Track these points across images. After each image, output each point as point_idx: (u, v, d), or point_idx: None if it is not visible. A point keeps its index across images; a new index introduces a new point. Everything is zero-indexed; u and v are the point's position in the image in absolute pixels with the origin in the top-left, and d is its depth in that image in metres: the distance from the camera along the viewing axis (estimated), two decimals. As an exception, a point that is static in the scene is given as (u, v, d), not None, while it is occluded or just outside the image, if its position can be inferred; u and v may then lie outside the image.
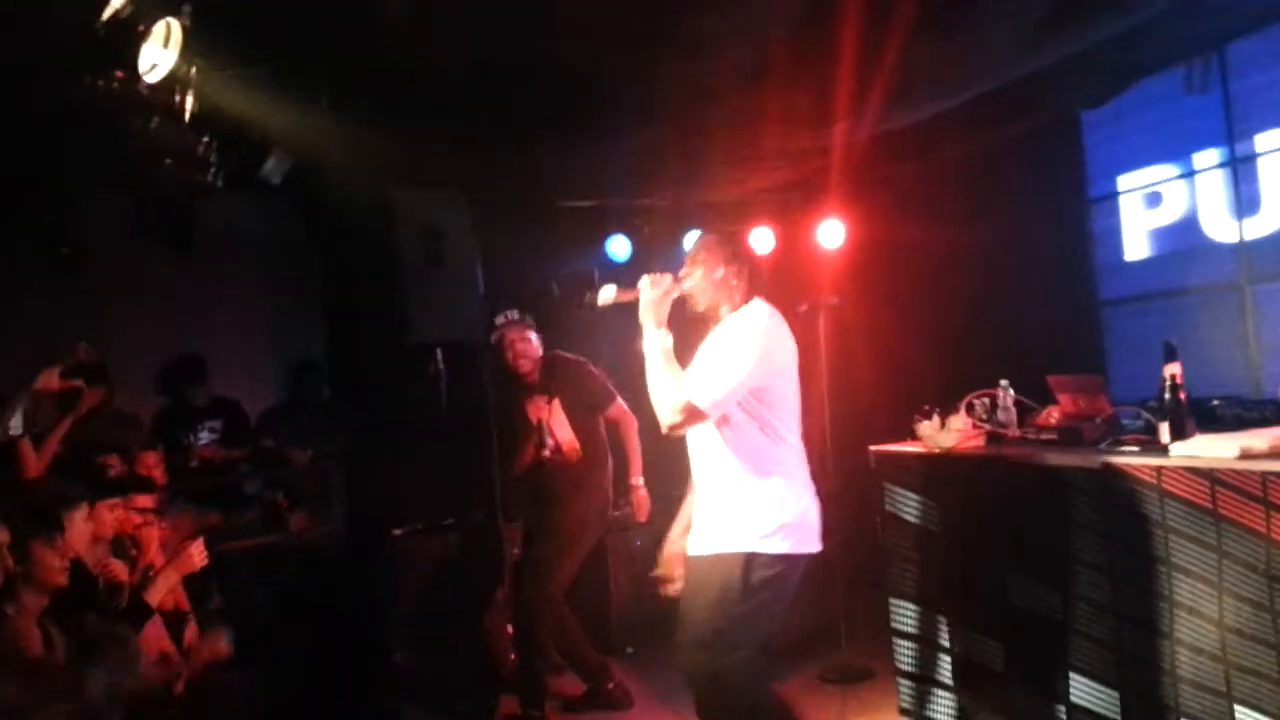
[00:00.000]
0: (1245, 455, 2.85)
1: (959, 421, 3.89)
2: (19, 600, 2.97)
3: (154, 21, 3.25)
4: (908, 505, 4.01)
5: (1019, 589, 3.55)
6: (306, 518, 5.50)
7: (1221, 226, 4.95)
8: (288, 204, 5.94)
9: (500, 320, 4.71)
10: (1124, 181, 5.41)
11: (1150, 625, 3.10)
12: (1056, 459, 3.42)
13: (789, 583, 3.04)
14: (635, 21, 3.78)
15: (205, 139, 3.78)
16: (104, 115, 3.55)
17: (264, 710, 4.11)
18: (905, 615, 4.07)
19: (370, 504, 5.25)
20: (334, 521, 5.74)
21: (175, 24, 3.26)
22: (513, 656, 4.81)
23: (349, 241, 6.15)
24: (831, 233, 5.79)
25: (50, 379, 3.90)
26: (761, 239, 6.30)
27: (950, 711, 3.91)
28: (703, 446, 3.11)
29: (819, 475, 5.27)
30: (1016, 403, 3.89)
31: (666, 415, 2.98)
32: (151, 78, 3.34)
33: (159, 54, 3.28)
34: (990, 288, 5.67)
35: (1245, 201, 4.81)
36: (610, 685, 4.69)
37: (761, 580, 2.96)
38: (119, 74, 3.38)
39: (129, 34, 3.26)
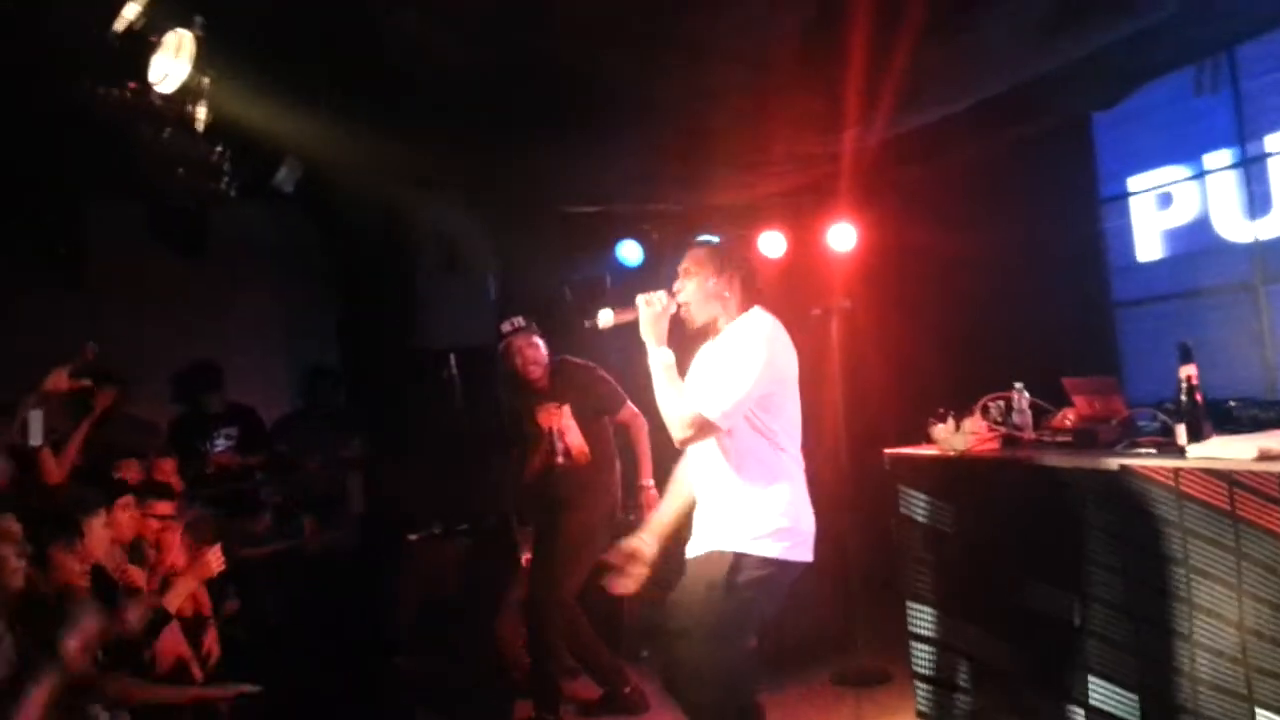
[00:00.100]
0: (1264, 457, 2.85)
1: (974, 424, 3.89)
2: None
3: (166, 32, 3.27)
4: (923, 508, 4.01)
5: (1035, 592, 3.54)
6: (315, 523, 5.52)
7: (1234, 227, 4.94)
8: (300, 212, 5.99)
9: (507, 328, 4.72)
10: (1135, 183, 5.40)
11: (1169, 628, 3.09)
12: (1072, 461, 3.41)
13: (777, 588, 3.03)
14: (644, 26, 3.79)
15: (218, 148, 3.80)
16: (116, 123, 3.57)
17: (277, 714, 4.13)
18: (921, 618, 4.06)
19: (385, 509, 5.26)
20: (348, 527, 5.77)
21: (187, 35, 3.29)
22: (526, 660, 4.82)
23: (361, 248, 6.19)
24: (843, 236, 5.77)
25: (59, 379, 3.92)
26: (773, 243, 6.30)
27: (967, 714, 3.89)
28: (703, 453, 3.10)
29: (833, 478, 5.33)
30: (1031, 405, 3.88)
31: (677, 430, 2.99)
32: (164, 88, 3.36)
33: (171, 64, 3.31)
34: (1002, 290, 5.65)
35: (1257, 201, 4.80)
36: (627, 690, 4.69)
37: (748, 581, 2.95)
38: (131, 84, 3.40)
39: (141, 45, 3.28)
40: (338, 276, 6.48)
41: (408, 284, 5.89)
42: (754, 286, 3.18)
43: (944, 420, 3.93)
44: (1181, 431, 3.15)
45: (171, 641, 3.57)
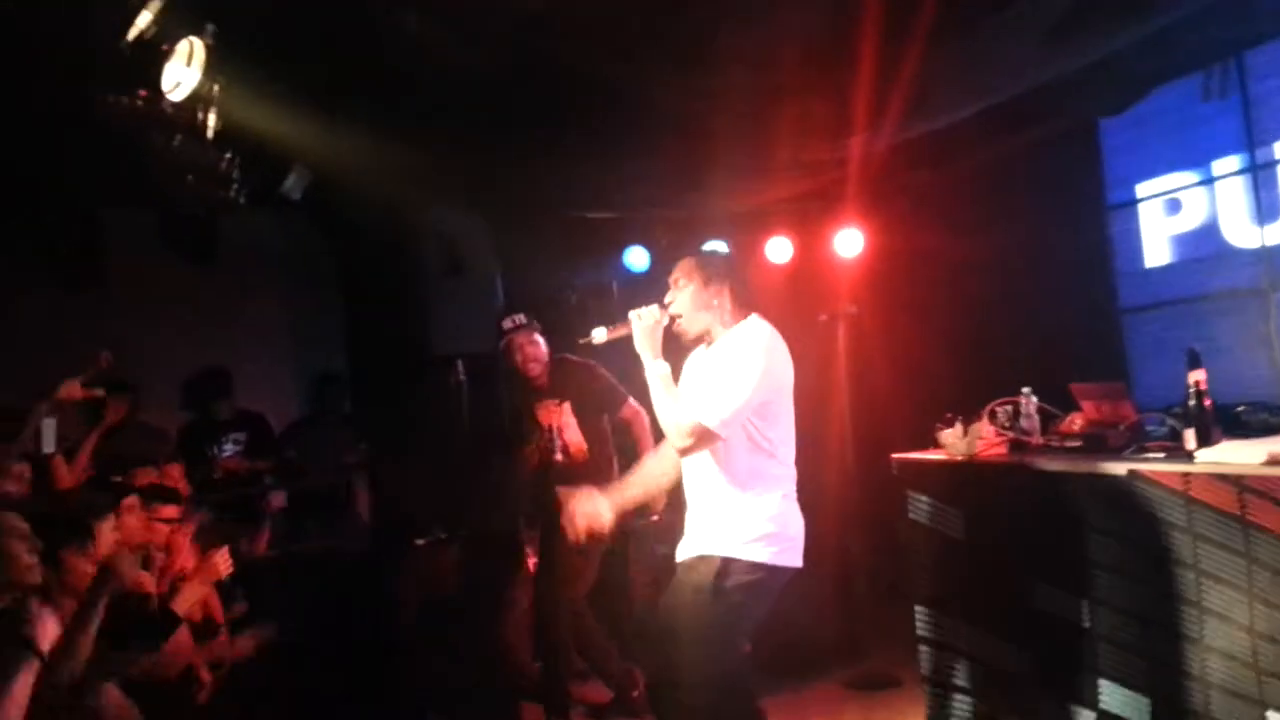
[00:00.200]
0: (1273, 461, 2.84)
1: (981, 429, 3.88)
2: (53, 604, 3.02)
3: (177, 41, 3.29)
4: (931, 513, 4.00)
5: (1045, 596, 3.54)
6: (322, 528, 5.54)
7: (1243, 232, 4.93)
8: (307, 219, 6.02)
9: (508, 325, 4.73)
10: (1143, 189, 5.40)
11: (1180, 631, 3.08)
12: (1081, 466, 3.41)
13: (766, 593, 3.03)
14: (650, 31, 3.80)
15: (227, 155, 3.82)
16: (127, 131, 3.60)
17: (286, 717, 4.15)
18: (930, 622, 4.05)
19: (392, 513, 5.27)
20: (355, 531, 5.78)
21: (198, 43, 3.31)
22: (536, 664, 4.82)
23: (369, 255, 6.21)
24: (850, 242, 5.78)
25: (73, 388, 3.95)
26: (780, 248, 6.31)
27: (977, 718, 3.88)
28: (695, 459, 3.10)
29: (840, 483, 5.33)
30: (1039, 410, 3.87)
31: (677, 439, 3.00)
32: (175, 96, 3.38)
33: (182, 72, 3.33)
34: (1009, 295, 5.65)
35: (1266, 207, 4.79)
36: (636, 693, 4.68)
37: (736, 585, 2.96)
38: (143, 92, 3.42)
39: (153, 53, 3.30)
40: (345, 283, 6.50)
41: (415, 290, 5.91)
42: (744, 294, 3.19)
43: (951, 425, 3.93)
44: (1190, 436, 3.14)
45: (181, 644, 3.58)
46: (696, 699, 2.95)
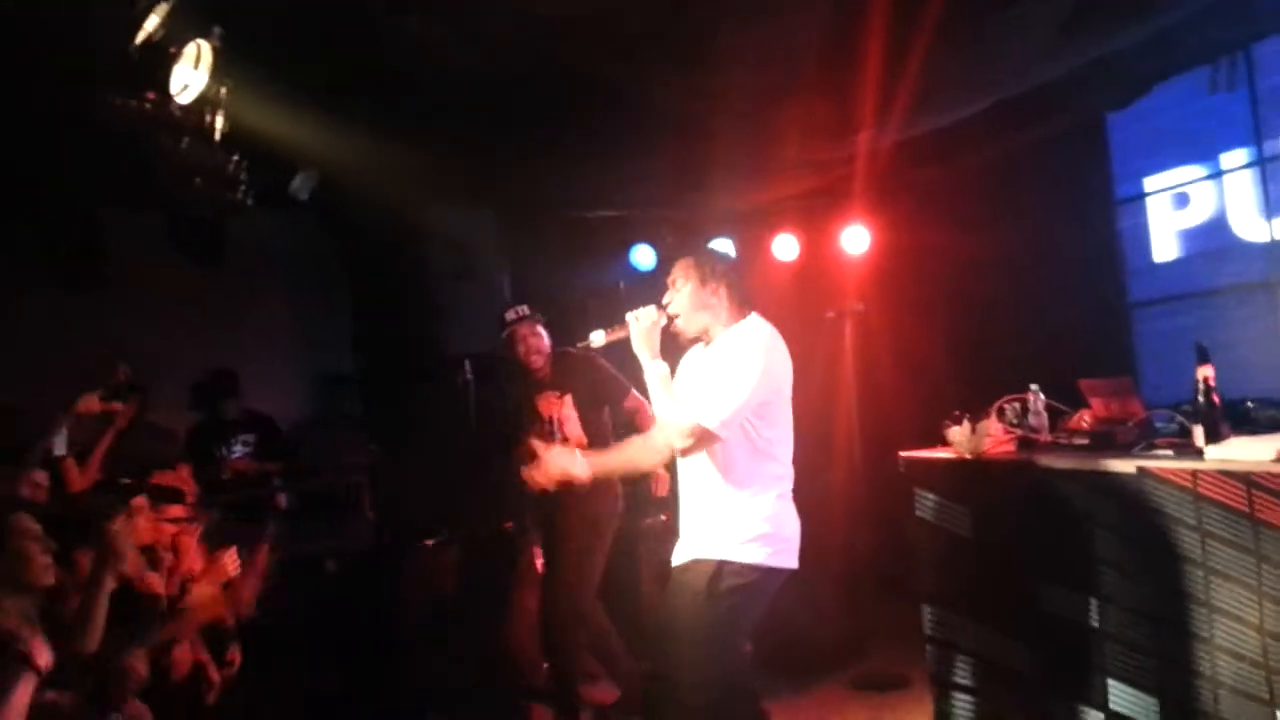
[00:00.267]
0: (1282, 458, 2.83)
1: (989, 426, 3.87)
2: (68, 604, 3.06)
3: (185, 44, 3.30)
4: (938, 511, 3.99)
5: (1053, 595, 3.53)
6: (329, 528, 5.55)
7: (1251, 226, 4.91)
8: (315, 220, 6.03)
9: (511, 316, 4.73)
10: (1151, 183, 5.38)
11: (1189, 630, 3.07)
12: (1089, 463, 3.40)
13: (761, 595, 3.03)
14: (657, 33, 3.80)
15: (235, 157, 3.83)
16: (134, 133, 3.61)
17: (290, 717, 4.17)
18: (937, 621, 4.05)
19: (400, 514, 5.29)
20: (363, 532, 5.79)
21: (206, 46, 3.32)
22: (545, 665, 4.83)
23: (376, 256, 6.23)
24: (856, 239, 5.78)
25: (91, 402, 4.00)
26: (786, 246, 6.30)
27: (984, 718, 3.87)
28: (691, 459, 3.10)
29: (846, 481, 5.32)
30: (1047, 407, 3.86)
31: (677, 439, 2.99)
32: (183, 99, 3.39)
33: (190, 75, 3.34)
34: (1017, 291, 5.64)
35: (1274, 201, 4.78)
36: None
37: (731, 588, 2.96)
38: (151, 95, 3.43)
39: (160, 56, 3.31)
40: (352, 284, 6.52)
41: (422, 291, 5.92)
42: (743, 293, 3.19)
43: (959, 422, 3.91)
44: (1199, 433, 3.13)
45: (189, 646, 3.60)
46: (696, 699, 2.95)
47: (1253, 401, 3.56)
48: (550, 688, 4.72)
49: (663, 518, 5.31)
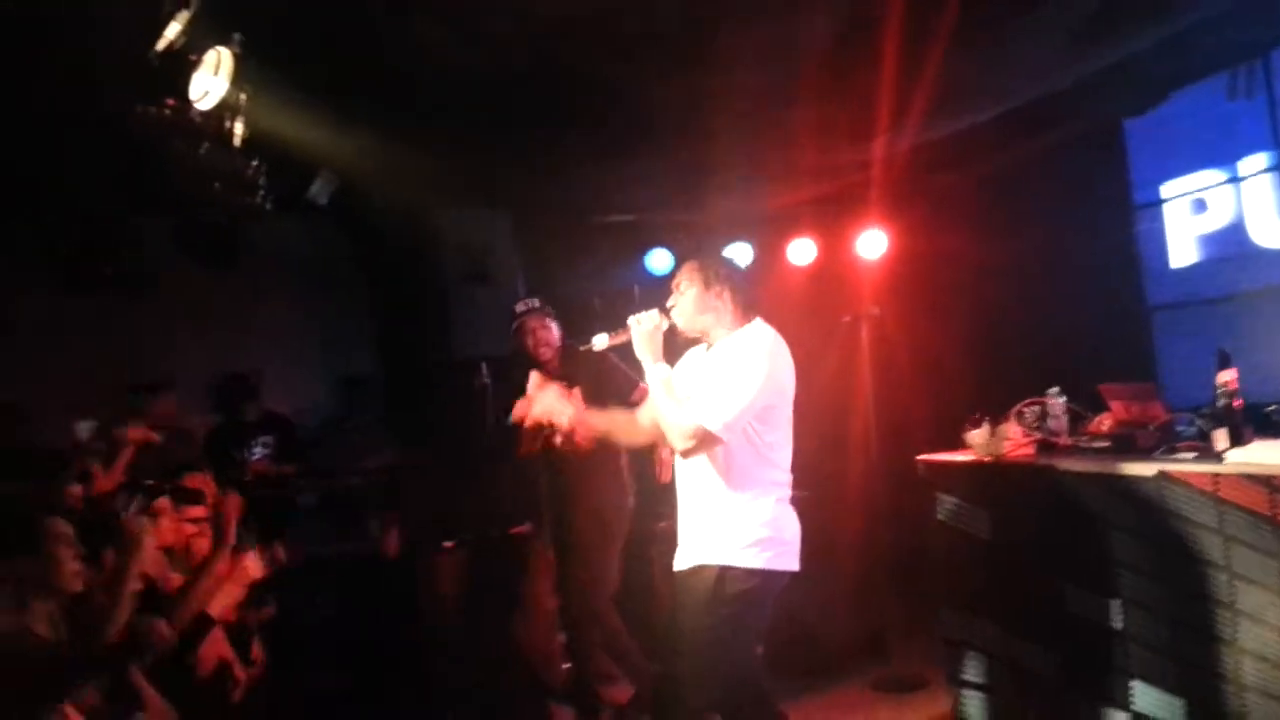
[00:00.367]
0: (1305, 461, 2.82)
1: (1009, 430, 3.87)
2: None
3: (205, 51, 3.33)
4: (959, 514, 3.99)
5: (1074, 597, 3.52)
6: (345, 530, 5.57)
7: (1270, 231, 4.89)
8: (333, 224, 6.06)
9: (521, 308, 4.74)
10: (1168, 188, 5.36)
11: (1212, 633, 3.06)
12: (1110, 467, 3.39)
13: (765, 598, 3.04)
14: (672, 37, 3.81)
15: (254, 162, 3.85)
16: (153, 139, 3.64)
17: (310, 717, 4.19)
18: (958, 624, 4.04)
19: (419, 516, 5.30)
20: (381, 533, 5.80)
21: (226, 52, 3.34)
22: (565, 665, 4.84)
23: (393, 259, 6.25)
24: (873, 243, 5.77)
25: (139, 431, 4.10)
26: (803, 250, 6.30)
27: (1005, 719, 3.88)
28: (691, 462, 3.11)
29: (864, 484, 5.31)
30: (1067, 410, 3.85)
31: (679, 441, 3.00)
32: (203, 105, 3.42)
33: (210, 82, 3.36)
34: (1034, 296, 5.63)
35: (1293, 206, 4.75)
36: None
37: (735, 594, 2.96)
38: (171, 101, 3.46)
39: (181, 63, 3.34)
40: (370, 287, 6.55)
41: (439, 294, 5.94)
42: (748, 297, 3.19)
43: (978, 426, 3.91)
44: (1220, 436, 3.12)
45: (214, 646, 3.61)
46: (703, 701, 2.98)
47: (1274, 406, 3.54)
48: (569, 688, 4.72)
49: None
